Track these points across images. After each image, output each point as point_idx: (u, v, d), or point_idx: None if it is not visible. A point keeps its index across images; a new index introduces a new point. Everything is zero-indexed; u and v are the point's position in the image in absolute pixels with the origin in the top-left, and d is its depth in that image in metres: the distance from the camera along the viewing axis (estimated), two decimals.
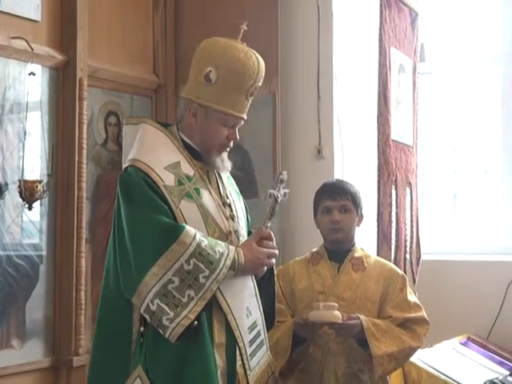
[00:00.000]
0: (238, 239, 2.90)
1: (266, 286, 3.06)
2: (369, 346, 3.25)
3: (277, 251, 2.95)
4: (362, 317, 3.28)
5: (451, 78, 5.56)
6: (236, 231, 2.92)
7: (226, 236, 2.87)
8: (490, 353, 4.61)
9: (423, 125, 5.26)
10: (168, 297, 2.67)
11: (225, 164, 2.99)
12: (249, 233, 3.04)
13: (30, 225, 4.14)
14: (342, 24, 4.76)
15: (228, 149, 2.97)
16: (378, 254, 4.12)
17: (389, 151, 4.43)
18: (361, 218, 3.50)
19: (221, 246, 2.77)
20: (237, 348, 2.83)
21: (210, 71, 2.86)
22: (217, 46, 2.90)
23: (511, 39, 5.27)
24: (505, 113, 5.27)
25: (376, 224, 4.31)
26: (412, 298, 3.45)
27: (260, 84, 2.95)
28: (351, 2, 4.88)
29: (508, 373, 4.42)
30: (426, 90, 5.35)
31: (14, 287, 4.01)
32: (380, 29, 4.41)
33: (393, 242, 4.47)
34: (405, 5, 4.74)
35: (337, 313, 3.20)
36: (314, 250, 3.55)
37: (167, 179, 2.80)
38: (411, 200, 4.76)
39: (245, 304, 2.89)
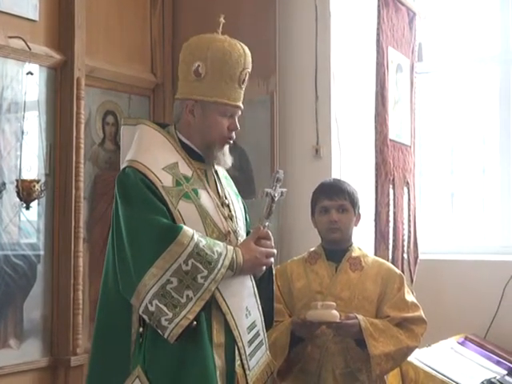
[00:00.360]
0: (237, 239, 2.90)
1: (265, 286, 3.06)
2: (366, 346, 3.25)
3: (275, 250, 2.95)
4: (359, 316, 3.28)
5: (449, 77, 5.57)
6: (235, 231, 2.91)
7: (225, 236, 2.87)
8: (487, 352, 4.61)
9: (421, 124, 5.27)
10: (167, 297, 2.67)
11: (226, 158, 2.99)
12: (247, 233, 3.04)
13: (28, 224, 4.14)
14: (339, 23, 4.77)
15: (231, 141, 2.96)
16: (376, 254, 4.12)
17: (386, 151, 4.43)
18: (358, 217, 3.50)
19: (219, 246, 2.76)
20: (236, 348, 2.83)
21: (199, 66, 2.88)
22: (200, 41, 2.94)
23: (508, 39, 5.28)
24: (502, 112, 5.27)
25: (374, 223, 4.32)
26: (410, 297, 3.45)
27: (249, 70, 2.97)
28: (349, 2, 4.88)
29: (505, 372, 4.42)
30: (423, 90, 5.35)
31: (11, 287, 4.00)
32: (378, 28, 4.41)
33: (390, 241, 4.47)
34: (402, 4, 4.75)
35: (335, 312, 3.20)
36: (312, 249, 3.55)
37: (165, 180, 2.80)
38: (409, 199, 4.76)
39: (244, 304, 2.89)
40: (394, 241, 4.51)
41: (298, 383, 3.41)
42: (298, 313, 3.35)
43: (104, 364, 2.85)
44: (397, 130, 4.60)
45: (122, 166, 2.88)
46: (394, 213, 4.52)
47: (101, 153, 4.54)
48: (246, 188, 4.36)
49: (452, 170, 5.56)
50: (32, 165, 4.11)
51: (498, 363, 4.52)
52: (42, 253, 4.18)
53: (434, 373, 4.00)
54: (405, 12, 4.79)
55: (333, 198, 3.42)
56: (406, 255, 4.72)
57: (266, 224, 2.93)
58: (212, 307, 2.78)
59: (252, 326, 2.92)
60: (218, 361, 2.79)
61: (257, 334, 2.95)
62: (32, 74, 4.09)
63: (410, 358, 3.68)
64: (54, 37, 4.29)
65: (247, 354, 2.86)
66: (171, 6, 4.95)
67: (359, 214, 3.50)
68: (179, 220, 2.76)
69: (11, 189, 3.95)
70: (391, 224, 4.48)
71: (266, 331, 3.07)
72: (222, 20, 3.00)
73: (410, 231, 4.76)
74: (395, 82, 4.61)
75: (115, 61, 4.62)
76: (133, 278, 2.69)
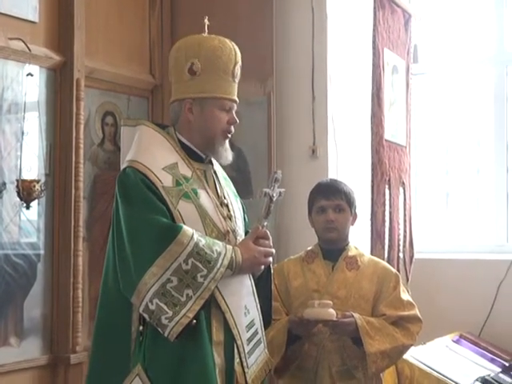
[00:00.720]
0: (236, 239, 2.91)
1: (263, 285, 3.07)
2: (363, 344, 3.26)
3: (273, 250, 2.96)
4: (356, 315, 3.28)
5: (444, 78, 5.58)
6: (234, 231, 2.92)
7: (224, 235, 2.87)
8: (481, 350, 4.63)
9: (416, 125, 5.28)
10: (167, 296, 2.67)
11: (227, 153, 3.00)
12: (246, 232, 3.04)
13: (28, 224, 4.14)
14: (336, 25, 4.77)
15: (229, 135, 2.97)
16: (372, 253, 4.13)
17: (382, 151, 4.44)
18: (355, 217, 3.51)
19: (218, 246, 2.77)
20: (235, 346, 2.84)
21: (193, 64, 2.91)
22: (190, 41, 2.97)
23: (503, 40, 5.30)
24: (497, 113, 5.29)
25: (370, 223, 4.33)
26: (405, 296, 3.46)
27: (240, 64, 2.99)
28: (345, 4, 4.89)
29: (499, 370, 4.43)
30: (419, 91, 5.36)
31: (11, 286, 4.01)
32: (374, 30, 4.42)
33: (386, 240, 4.48)
34: (398, 6, 4.76)
35: (331, 310, 3.21)
36: (309, 248, 3.56)
37: (165, 180, 2.80)
38: (404, 199, 4.77)
39: (243, 302, 2.90)
40: (389, 240, 4.52)
41: (294, 380, 3.41)
42: (295, 311, 3.36)
43: (104, 362, 2.85)
44: (392, 131, 4.61)
45: (122, 167, 2.88)
46: (390, 212, 4.53)
47: (100, 153, 4.54)
48: (243, 188, 4.36)
49: (447, 171, 5.57)
50: (32, 165, 4.11)
51: (492, 361, 4.54)
52: (42, 252, 4.18)
53: (429, 370, 4.01)
54: (400, 14, 4.80)
55: (330, 198, 3.42)
56: (401, 254, 4.73)
57: (265, 224, 2.94)
58: (211, 306, 2.79)
59: (251, 325, 2.93)
60: (218, 359, 2.79)
61: (255, 333, 2.95)
62: (32, 75, 4.09)
63: (406, 356, 3.69)
64: (53, 38, 4.29)
65: (246, 351, 2.87)
66: (169, 8, 4.95)
67: (355, 214, 3.51)
68: (179, 220, 2.77)
69: (11, 188, 3.95)
70: (387, 223, 4.49)
71: (265, 330, 3.09)
72: (206, 22, 3.03)
73: (405, 231, 4.77)
74: (391, 83, 4.62)
75: (114, 62, 4.62)
76: (133, 277, 2.69)
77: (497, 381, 4.19)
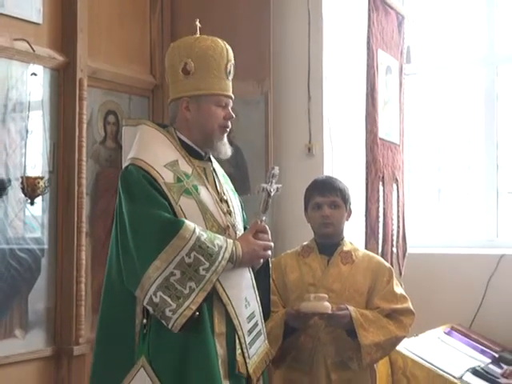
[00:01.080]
0: (235, 233, 2.92)
1: (262, 278, 3.08)
2: (357, 336, 3.27)
3: (272, 243, 2.97)
4: (350, 308, 3.29)
5: (436, 78, 5.59)
6: (233, 226, 2.93)
7: (224, 230, 2.88)
8: (472, 342, 4.63)
9: (409, 124, 5.28)
10: (170, 289, 2.68)
11: (226, 148, 3.01)
12: (245, 228, 3.05)
13: (32, 219, 4.14)
14: (331, 27, 4.78)
15: (227, 129, 2.97)
16: (366, 248, 4.13)
17: (376, 149, 4.44)
18: (349, 213, 3.51)
19: (219, 240, 2.78)
20: (236, 337, 2.85)
21: (186, 64, 2.92)
22: (183, 42, 2.99)
23: (493, 42, 5.30)
24: (487, 112, 5.30)
25: (364, 219, 4.33)
26: (398, 289, 3.47)
27: (233, 62, 3.00)
28: (340, 6, 4.89)
29: (489, 361, 4.44)
30: (411, 91, 5.36)
31: (17, 279, 4.01)
32: (368, 32, 4.42)
33: (380, 236, 4.49)
34: (392, 8, 4.76)
35: (327, 304, 3.21)
36: (305, 243, 3.56)
37: (167, 176, 2.81)
38: (398, 196, 4.78)
39: (243, 295, 2.91)
40: (383, 235, 4.52)
41: (291, 371, 3.42)
42: (292, 304, 3.36)
43: (108, 355, 2.85)
44: (386, 129, 4.62)
45: (124, 165, 2.89)
46: (384, 208, 4.54)
47: (102, 151, 4.54)
48: (241, 184, 4.37)
49: (439, 168, 5.58)
50: (36, 162, 4.12)
51: (482, 352, 4.55)
52: (46, 247, 4.19)
53: (421, 361, 4.02)
54: (394, 16, 4.80)
55: (325, 195, 3.43)
56: (394, 249, 4.73)
57: (263, 218, 2.95)
58: (213, 298, 2.79)
59: (251, 316, 2.93)
60: (220, 349, 2.80)
61: (256, 324, 2.96)
62: (36, 75, 4.09)
63: (399, 347, 3.69)
64: (57, 39, 4.28)
65: (247, 342, 2.88)
66: (169, 11, 4.95)
67: (350, 210, 3.51)
68: (180, 215, 2.78)
69: (16, 185, 3.95)
70: (381, 219, 4.50)
71: (264, 321, 3.09)
72: (198, 24, 3.05)
73: (398, 226, 4.78)
74: (385, 83, 4.62)
75: (116, 63, 4.62)
76: (137, 271, 2.69)
77: (487, 371, 4.20)
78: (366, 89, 4.40)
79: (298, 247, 3.58)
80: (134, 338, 2.78)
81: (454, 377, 3.97)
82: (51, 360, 4.20)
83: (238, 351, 2.84)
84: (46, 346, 4.18)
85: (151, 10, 4.89)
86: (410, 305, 3.44)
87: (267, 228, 2.95)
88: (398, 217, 4.78)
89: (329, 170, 4.62)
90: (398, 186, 4.77)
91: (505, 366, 4.36)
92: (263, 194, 2.97)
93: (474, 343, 4.63)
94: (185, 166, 2.90)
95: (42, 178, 3.97)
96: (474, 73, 5.43)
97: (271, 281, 3.21)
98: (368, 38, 4.42)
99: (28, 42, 4.02)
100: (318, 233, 3.48)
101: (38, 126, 4.15)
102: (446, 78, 5.56)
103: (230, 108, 2.98)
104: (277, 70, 4.72)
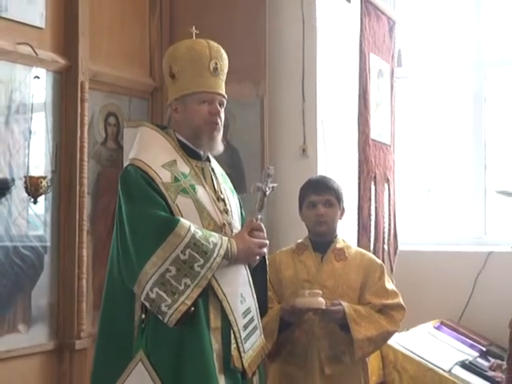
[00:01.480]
0: (232, 231, 2.91)
1: (259, 275, 3.08)
2: (350, 331, 3.27)
3: (267, 241, 2.97)
4: (344, 303, 3.29)
5: (426, 81, 5.59)
6: (229, 224, 2.92)
7: (220, 228, 2.88)
8: (461, 336, 4.64)
9: (400, 125, 5.29)
10: (166, 285, 2.68)
11: (217, 145, 2.99)
12: (242, 226, 3.04)
13: (35, 218, 4.13)
14: (325, 32, 4.77)
15: (216, 126, 2.95)
16: (359, 245, 4.14)
17: (368, 150, 4.45)
18: (342, 211, 3.51)
19: (214, 237, 2.77)
20: (231, 332, 2.84)
21: (171, 68, 2.96)
22: (170, 49, 3.04)
23: (481, 47, 5.31)
24: (475, 114, 5.31)
25: (356, 217, 4.34)
26: (390, 285, 3.47)
27: (220, 60, 2.98)
28: (334, 11, 4.88)
29: (477, 354, 4.45)
30: (402, 93, 5.37)
31: (20, 276, 4.00)
32: (360, 36, 4.43)
33: (372, 233, 4.49)
34: (383, 14, 4.76)
35: (321, 299, 3.21)
36: (299, 241, 3.56)
37: (164, 176, 2.81)
38: (389, 195, 4.78)
39: (239, 291, 2.90)
40: (375, 233, 4.53)
41: (286, 365, 3.41)
42: (287, 300, 3.36)
43: (109, 349, 2.85)
44: (378, 131, 4.62)
45: (124, 164, 2.90)
46: (376, 207, 4.54)
47: (103, 151, 4.53)
48: (237, 184, 4.31)
49: (429, 168, 5.58)
50: (39, 162, 4.11)
51: (470, 346, 4.56)
52: (48, 244, 4.18)
53: (411, 355, 4.03)
54: (385, 21, 4.81)
55: (320, 194, 3.42)
56: (386, 246, 4.74)
57: (259, 217, 2.94)
58: (209, 294, 2.79)
59: (247, 312, 2.92)
60: (215, 344, 2.80)
61: (251, 320, 2.95)
62: (39, 78, 4.08)
63: (390, 342, 3.70)
64: (59, 43, 4.27)
65: (242, 337, 2.87)
66: (168, 15, 4.93)
67: (343, 209, 3.51)
68: (177, 213, 2.78)
69: (20, 185, 3.94)
70: (373, 217, 4.50)
71: (261, 318, 3.09)
72: (194, 31, 3.05)
73: (390, 224, 4.78)
74: (377, 86, 4.62)
75: (117, 66, 4.61)
76: (135, 268, 2.70)
77: (475, 365, 4.21)
78: (359, 91, 4.40)
79: (292, 245, 3.57)
80: (133, 332, 2.78)
81: (444, 370, 3.97)
82: (54, 354, 4.19)
83: (233, 346, 2.84)
84: (49, 340, 4.17)
85: (150, 14, 4.89)
86: (400, 300, 3.44)
87: (262, 226, 2.95)
88: (390, 215, 4.78)
89: (322, 170, 4.62)
90: (389, 185, 4.78)
91: (492, 360, 4.37)
92: (259, 194, 2.97)
93: (463, 337, 4.64)
94: (183, 166, 2.90)
95: (44, 178, 3.96)
96: (463, 76, 5.44)
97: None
98: (360, 42, 4.43)
99: (31, 46, 4.01)
100: (312, 231, 3.48)
101: (40, 128, 4.14)
102: (435, 81, 5.56)
103: (216, 104, 2.95)
104: (272, 73, 4.72)
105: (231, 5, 4.75)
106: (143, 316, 2.77)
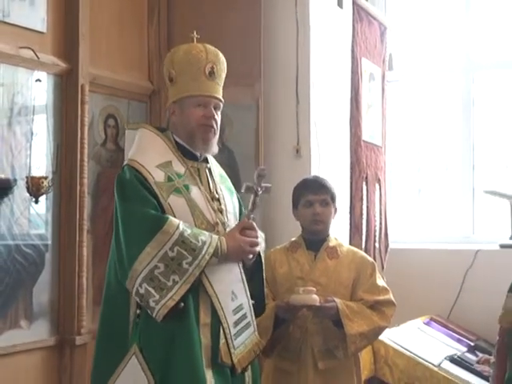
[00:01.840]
0: (225, 230, 2.90)
1: (256, 274, 3.07)
2: (343, 326, 3.26)
3: (259, 240, 2.95)
4: (337, 300, 3.28)
5: (416, 85, 5.60)
6: (223, 223, 2.91)
7: (213, 227, 2.87)
8: (450, 331, 4.65)
9: (391, 127, 5.29)
10: (154, 281, 2.69)
11: (212, 147, 2.99)
12: None
13: (37, 217, 4.12)
14: (318, 37, 4.77)
15: (211, 128, 2.94)
16: (350, 243, 4.13)
17: (360, 151, 4.45)
18: (335, 211, 3.50)
19: (204, 235, 2.77)
20: (221, 328, 2.83)
21: (170, 72, 2.96)
22: (169, 53, 3.04)
23: (470, 51, 5.32)
24: (464, 117, 5.31)
25: (348, 216, 4.33)
26: (381, 282, 3.47)
27: (217, 64, 2.96)
28: (327, 17, 4.88)
29: (466, 349, 4.46)
30: (393, 96, 5.37)
31: (22, 273, 3.99)
32: (352, 41, 4.42)
33: (363, 232, 4.49)
34: (375, 19, 4.76)
35: (315, 296, 3.21)
36: (293, 239, 3.55)
37: (157, 176, 2.82)
38: (380, 195, 4.78)
39: (230, 288, 2.88)
40: (366, 232, 4.52)
41: (280, 360, 3.41)
42: (282, 296, 3.36)
43: (107, 343, 2.87)
44: (369, 132, 4.62)
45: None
46: (367, 207, 4.54)
47: (103, 152, 4.52)
48: (233, 185, 4.36)
49: (419, 168, 5.58)
50: (40, 163, 4.09)
51: (459, 341, 4.56)
52: (49, 242, 4.16)
53: (402, 350, 4.02)
54: (377, 26, 4.80)
55: (317, 193, 3.42)
56: (377, 244, 4.73)
57: (251, 216, 2.93)
58: (200, 291, 2.79)
59: (238, 309, 2.91)
60: (204, 339, 2.79)
61: (243, 317, 2.93)
62: (40, 81, 4.07)
63: (381, 337, 3.69)
64: (60, 47, 4.26)
65: (232, 333, 2.85)
66: (166, 21, 4.92)
67: (336, 208, 3.51)
68: (169, 212, 2.78)
69: (22, 185, 3.93)
70: (364, 216, 4.50)
71: (260, 314, 3.08)
72: (195, 35, 3.04)
73: (381, 223, 4.78)
74: (368, 89, 4.62)
75: (116, 69, 4.60)
76: (126, 264, 2.72)
77: (463, 359, 4.21)
78: (351, 94, 4.40)
79: (286, 243, 3.57)
80: (129, 327, 2.79)
81: (433, 364, 3.97)
82: (54, 349, 4.18)
83: (222, 341, 2.83)
84: (50, 335, 4.15)
85: (149, 20, 4.88)
86: (391, 296, 3.44)
87: (255, 225, 2.92)
88: (381, 214, 4.78)
89: (316, 171, 4.61)
90: (380, 185, 4.78)
91: (480, 354, 4.37)
92: (252, 195, 2.96)
93: (452, 333, 4.64)
94: (178, 167, 2.90)
95: (45, 178, 3.95)
96: (452, 80, 5.44)
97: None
98: (352, 46, 4.42)
99: (33, 50, 4.00)
100: (308, 229, 3.46)
101: (42, 129, 4.12)
102: (425, 85, 5.57)
103: (211, 107, 2.94)
104: (267, 76, 4.71)
105: (227, 10, 4.75)
106: (138, 311, 2.78)
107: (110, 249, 2.89)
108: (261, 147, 4.63)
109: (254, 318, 3.01)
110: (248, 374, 2.97)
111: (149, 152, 2.90)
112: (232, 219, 3.00)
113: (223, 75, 3.01)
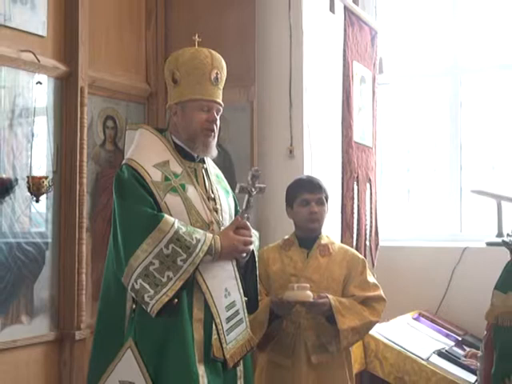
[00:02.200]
0: (220, 229, 2.90)
1: (250, 271, 3.06)
2: (336, 322, 3.27)
3: (252, 238, 2.95)
4: (329, 296, 3.29)
5: (406, 87, 5.60)
6: (218, 222, 2.91)
7: (208, 226, 2.87)
8: (438, 326, 4.65)
9: (381, 128, 5.29)
10: (149, 277, 2.69)
11: (211, 150, 2.98)
12: None
13: (38, 215, 4.11)
14: (311, 41, 4.77)
15: (212, 132, 2.94)
16: (342, 241, 4.14)
17: (351, 151, 4.45)
18: (327, 209, 3.51)
19: (198, 234, 2.77)
20: (213, 324, 2.83)
21: (174, 73, 2.95)
22: (174, 55, 3.01)
23: (458, 55, 5.33)
24: (452, 118, 5.32)
25: (340, 215, 4.33)
26: (371, 279, 3.47)
27: (221, 70, 2.97)
28: (319, 22, 4.88)
29: (453, 343, 4.46)
30: (383, 99, 5.38)
31: (23, 270, 3.98)
32: (344, 45, 4.43)
33: (354, 230, 4.49)
34: (366, 24, 4.77)
35: (309, 293, 3.21)
36: (286, 237, 3.55)
37: (155, 175, 2.83)
38: (370, 194, 4.78)
39: (223, 285, 2.88)
40: (357, 230, 4.52)
41: (274, 354, 3.41)
42: (275, 293, 3.36)
43: (104, 337, 2.87)
44: (360, 134, 4.62)
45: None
46: (358, 206, 4.54)
47: (102, 153, 4.51)
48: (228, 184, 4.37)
49: (408, 169, 5.58)
50: (41, 163, 4.08)
51: (447, 336, 4.57)
52: (50, 240, 4.16)
53: (392, 344, 4.02)
54: (367, 30, 4.81)
55: (313, 192, 3.42)
56: (368, 242, 4.74)
57: (245, 216, 2.93)
58: (194, 287, 2.79)
59: (231, 306, 2.91)
60: (196, 334, 2.79)
61: (236, 313, 2.93)
62: (41, 83, 4.06)
63: (372, 332, 3.69)
64: (60, 51, 4.25)
65: (225, 329, 2.85)
66: (163, 25, 4.91)
67: (328, 207, 3.51)
68: (165, 210, 2.79)
69: (23, 184, 3.93)
70: (355, 215, 4.50)
71: (253, 311, 3.08)
72: (196, 38, 3.05)
73: (371, 222, 4.79)
74: (359, 91, 4.62)
75: (115, 72, 4.59)
76: (122, 260, 2.72)
77: (451, 353, 4.22)
78: (342, 97, 4.40)
79: (279, 241, 3.57)
80: (125, 322, 2.80)
81: (422, 358, 3.98)
82: (55, 344, 4.17)
83: (214, 336, 2.83)
84: (50, 331, 4.14)
85: (146, 24, 4.87)
86: (381, 292, 3.45)
87: (248, 224, 2.92)
88: (371, 213, 4.78)
89: (308, 171, 4.61)
90: (371, 185, 4.78)
91: (467, 348, 4.38)
92: (246, 195, 2.96)
93: (440, 328, 4.64)
94: (175, 167, 2.90)
95: (46, 178, 3.94)
96: (440, 82, 5.45)
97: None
98: (344, 50, 4.43)
99: (34, 54, 3.99)
100: (303, 227, 3.46)
101: (42, 130, 4.11)
102: (414, 87, 5.57)
103: (214, 112, 2.94)
104: (261, 79, 4.71)
105: (223, 15, 4.75)
106: (134, 306, 2.78)
107: (108, 246, 2.89)
108: (255, 148, 4.64)
109: (246, 314, 3.01)
110: (240, 369, 2.96)
111: (147, 152, 2.90)
112: (227, 219, 2.99)
113: (224, 80, 3.02)
